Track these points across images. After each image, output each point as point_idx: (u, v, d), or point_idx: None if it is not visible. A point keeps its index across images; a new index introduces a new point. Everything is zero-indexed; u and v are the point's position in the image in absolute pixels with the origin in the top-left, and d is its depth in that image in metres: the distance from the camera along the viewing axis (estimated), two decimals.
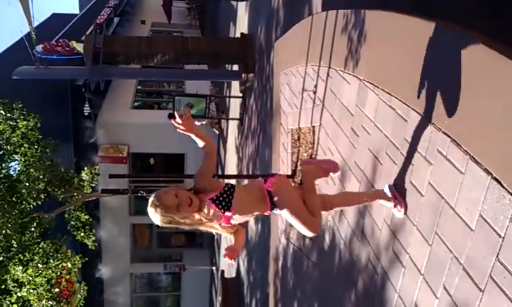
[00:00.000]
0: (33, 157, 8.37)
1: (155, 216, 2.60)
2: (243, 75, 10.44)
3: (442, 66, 2.87)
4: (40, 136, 8.70)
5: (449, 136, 2.74)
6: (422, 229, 2.96)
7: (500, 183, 2.31)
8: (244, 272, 10.25)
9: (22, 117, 8.48)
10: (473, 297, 2.42)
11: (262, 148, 8.67)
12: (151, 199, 2.63)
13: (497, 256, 2.28)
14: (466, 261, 2.52)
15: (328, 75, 5.09)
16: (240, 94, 11.25)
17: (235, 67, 11.16)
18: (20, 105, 8.50)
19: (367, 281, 3.76)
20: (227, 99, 13.70)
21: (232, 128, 12.70)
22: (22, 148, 8.41)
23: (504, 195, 2.27)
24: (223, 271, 13.16)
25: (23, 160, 8.37)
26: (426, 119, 2.99)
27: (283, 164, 6.93)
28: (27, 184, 8.10)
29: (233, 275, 11.61)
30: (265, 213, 2.97)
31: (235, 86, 12.23)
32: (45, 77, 10.34)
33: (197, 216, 2.71)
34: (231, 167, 12.42)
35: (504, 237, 2.26)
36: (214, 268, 16.38)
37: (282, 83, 7.22)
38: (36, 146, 8.43)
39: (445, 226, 2.74)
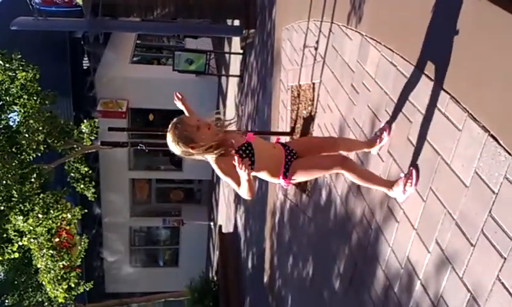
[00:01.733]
0: (32, 109, 8.35)
1: (173, 135, 2.73)
2: (244, 31, 10.28)
3: (447, 23, 2.84)
4: (39, 88, 8.65)
5: (449, 93, 2.74)
6: (417, 186, 3.00)
7: (496, 140, 2.33)
8: (241, 227, 10.41)
9: (20, 68, 8.41)
10: (465, 251, 2.48)
11: (262, 105, 8.64)
12: (173, 120, 2.77)
13: (490, 212, 2.32)
14: (459, 217, 2.56)
15: (330, 30, 5.03)
16: (241, 51, 11.11)
17: (236, 23, 10.97)
18: (19, 56, 8.41)
19: (361, 235, 3.83)
20: (227, 55, 13.55)
21: (232, 85, 12.62)
22: (21, 99, 8.38)
23: (500, 152, 2.29)
24: (220, 226, 13.38)
25: (22, 111, 8.35)
26: (427, 76, 2.98)
27: (282, 121, 6.93)
28: (27, 135, 8.11)
29: (231, 230, 11.81)
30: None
31: (236, 42, 12.06)
32: (43, 28, 10.17)
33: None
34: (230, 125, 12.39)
35: (497, 193, 2.29)
36: (211, 223, 16.64)
37: (283, 39, 7.13)
38: (35, 98, 8.39)
39: (440, 182, 2.77)
